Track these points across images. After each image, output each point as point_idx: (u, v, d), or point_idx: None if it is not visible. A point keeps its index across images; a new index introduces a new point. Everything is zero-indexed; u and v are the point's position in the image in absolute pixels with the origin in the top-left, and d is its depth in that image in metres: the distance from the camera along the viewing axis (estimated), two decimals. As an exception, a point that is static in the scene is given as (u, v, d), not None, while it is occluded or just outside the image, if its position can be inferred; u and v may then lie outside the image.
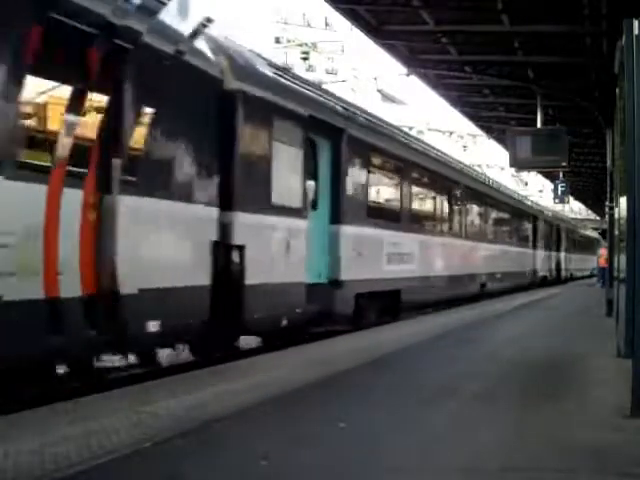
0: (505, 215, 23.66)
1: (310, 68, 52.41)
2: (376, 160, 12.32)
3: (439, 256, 15.77)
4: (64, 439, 4.03)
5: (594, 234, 49.66)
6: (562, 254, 33.18)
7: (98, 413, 4.70)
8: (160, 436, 4.21)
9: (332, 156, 10.19)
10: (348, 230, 10.36)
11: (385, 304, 12.27)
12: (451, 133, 73.45)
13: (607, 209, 14.40)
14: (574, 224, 43.11)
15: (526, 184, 70.92)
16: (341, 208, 10.23)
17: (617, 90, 7.29)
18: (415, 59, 14.89)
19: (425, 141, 17.68)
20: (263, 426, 4.60)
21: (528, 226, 27.08)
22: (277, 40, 61.69)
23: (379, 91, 68.40)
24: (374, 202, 12.20)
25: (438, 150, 18.09)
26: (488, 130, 23.77)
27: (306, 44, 49.31)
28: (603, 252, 24.54)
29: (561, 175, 21.49)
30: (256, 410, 5.01)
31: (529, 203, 30.20)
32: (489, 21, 12.09)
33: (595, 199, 36.15)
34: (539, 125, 14.82)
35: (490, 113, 20.32)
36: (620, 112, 6.46)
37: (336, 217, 10.17)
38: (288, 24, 70.30)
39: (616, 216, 9.95)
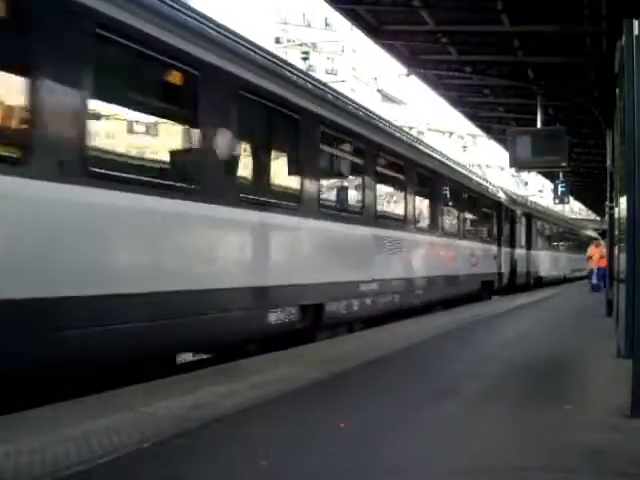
0: (412, 181, 13.56)
1: (310, 68, 52.40)
2: None
3: (190, 249, 6.84)
4: (64, 439, 4.03)
5: (585, 230, 44.72)
6: (519, 251, 24.32)
7: (98, 413, 4.70)
8: (160, 436, 4.21)
9: None
10: None
11: None
12: (451, 133, 73.59)
13: (607, 209, 14.40)
14: (546, 212, 33.30)
15: (526, 184, 71.12)
16: None
17: (617, 90, 7.29)
18: (415, 59, 14.89)
19: None
20: (263, 426, 4.60)
21: (455, 204, 17.16)
22: (277, 40, 61.87)
23: (379, 91, 68.50)
24: None
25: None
26: (488, 130, 23.76)
27: (306, 44, 49.33)
28: (593, 251, 24.11)
29: (561, 175, 21.46)
30: (256, 410, 5.01)
31: (459, 169, 18.43)
32: (489, 21, 12.09)
33: (595, 199, 36.05)
34: (539, 125, 14.83)
35: (490, 113, 20.31)
36: (620, 112, 6.45)
37: None
38: (288, 24, 70.45)
39: (616, 216, 9.93)
